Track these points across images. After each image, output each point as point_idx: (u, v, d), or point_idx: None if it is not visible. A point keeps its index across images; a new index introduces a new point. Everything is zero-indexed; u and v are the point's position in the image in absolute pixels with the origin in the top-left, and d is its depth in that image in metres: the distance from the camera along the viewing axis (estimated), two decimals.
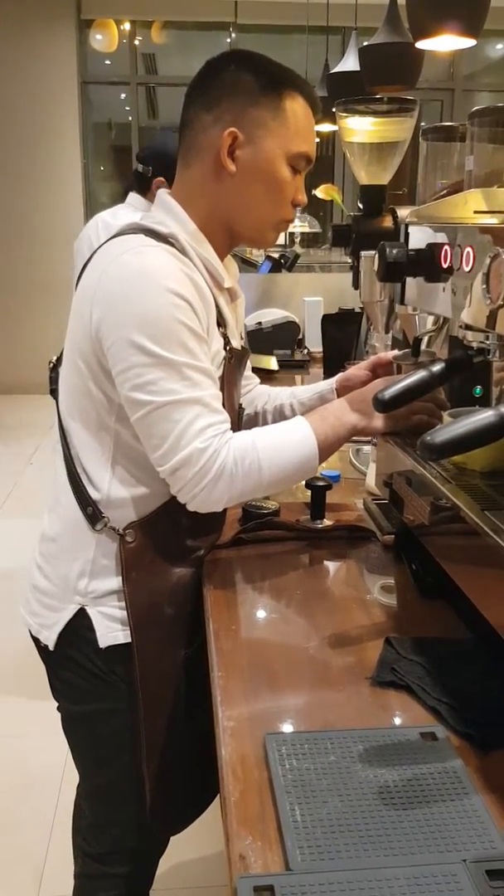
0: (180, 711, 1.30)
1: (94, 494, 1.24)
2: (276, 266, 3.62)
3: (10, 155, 6.75)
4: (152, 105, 7.74)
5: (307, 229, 5.29)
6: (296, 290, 3.43)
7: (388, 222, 1.99)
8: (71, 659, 1.29)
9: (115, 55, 7.25)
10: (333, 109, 2.12)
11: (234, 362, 1.31)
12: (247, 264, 3.74)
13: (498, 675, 0.99)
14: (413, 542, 1.22)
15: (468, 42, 1.51)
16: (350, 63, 2.68)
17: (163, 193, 1.29)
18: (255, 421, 1.51)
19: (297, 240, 5.40)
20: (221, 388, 1.23)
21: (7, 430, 5.98)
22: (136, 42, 7.26)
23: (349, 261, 2.21)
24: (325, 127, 3.28)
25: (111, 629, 1.26)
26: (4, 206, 6.84)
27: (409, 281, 1.27)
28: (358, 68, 2.23)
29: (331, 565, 1.35)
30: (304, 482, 1.38)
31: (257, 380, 1.57)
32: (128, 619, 1.24)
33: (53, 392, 1.33)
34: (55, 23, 6.64)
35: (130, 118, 7.41)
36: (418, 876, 0.70)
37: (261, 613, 1.21)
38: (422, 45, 1.55)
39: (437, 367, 1.14)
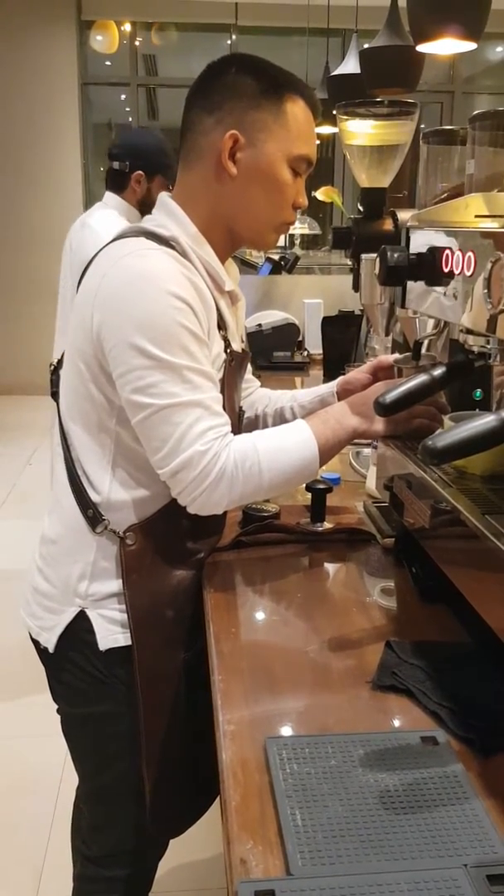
0: (180, 714, 1.30)
1: (94, 497, 1.24)
2: (276, 268, 3.62)
3: (10, 155, 6.76)
4: (152, 106, 7.74)
5: (307, 231, 5.30)
6: (296, 291, 3.43)
7: (388, 225, 1.99)
8: (71, 661, 1.29)
9: (115, 56, 7.25)
10: (334, 112, 2.13)
11: (234, 365, 1.31)
12: (247, 266, 3.74)
13: (498, 679, 0.99)
14: (413, 546, 1.22)
15: (469, 45, 1.51)
16: (350, 66, 2.68)
17: (164, 196, 1.29)
18: (256, 424, 1.51)
19: (297, 242, 5.41)
20: (222, 391, 1.23)
21: (6, 431, 5.98)
22: (137, 43, 7.26)
23: (349, 263, 2.21)
24: (326, 129, 3.28)
25: (111, 632, 1.26)
26: (4, 206, 6.84)
27: (410, 284, 1.27)
28: (358, 71, 2.23)
29: (331, 568, 1.35)
30: (304, 485, 1.39)
31: (258, 383, 1.58)
32: (128, 622, 1.24)
33: (54, 394, 1.33)
34: (55, 24, 6.65)
35: (131, 119, 7.41)
36: (419, 881, 0.70)
37: (261, 616, 1.21)
38: (422, 48, 1.55)
39: (437, 371, 1.14)
